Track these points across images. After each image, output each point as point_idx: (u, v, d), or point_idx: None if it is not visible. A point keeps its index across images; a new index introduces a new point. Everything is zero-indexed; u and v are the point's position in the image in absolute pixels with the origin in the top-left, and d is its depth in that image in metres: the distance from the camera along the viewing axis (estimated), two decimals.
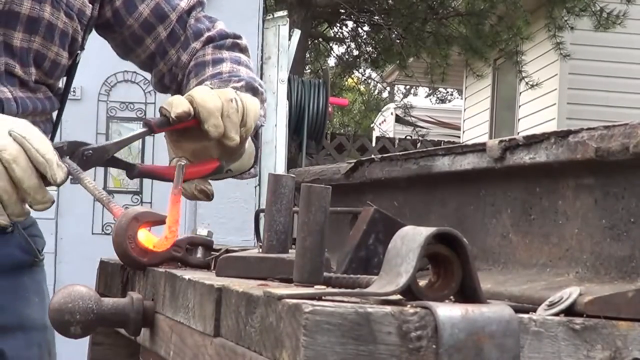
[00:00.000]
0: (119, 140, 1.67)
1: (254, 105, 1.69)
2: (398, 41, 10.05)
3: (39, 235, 2.01)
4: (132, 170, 1.69)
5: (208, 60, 1.93)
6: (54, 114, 1.95)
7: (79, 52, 1.94)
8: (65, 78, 1.96)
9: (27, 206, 1.58)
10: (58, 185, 1.55)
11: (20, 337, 1.86)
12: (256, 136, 1.92)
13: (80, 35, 1.90)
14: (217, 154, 1.70)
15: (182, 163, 1.56)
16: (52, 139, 1.92)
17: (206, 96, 1.63)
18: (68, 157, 1.62)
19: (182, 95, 1.68)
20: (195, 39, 1.98)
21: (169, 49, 1.98)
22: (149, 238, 1.45)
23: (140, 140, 5.68)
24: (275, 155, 5.91)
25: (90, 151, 1.64)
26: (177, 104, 1.62)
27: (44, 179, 1.55)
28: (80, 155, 1.64)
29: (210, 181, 1.73)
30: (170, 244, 1.45)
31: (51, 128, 1.94)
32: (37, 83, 1.85)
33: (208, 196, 1.71)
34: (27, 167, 1.52)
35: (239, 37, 2.01)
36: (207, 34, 1.98)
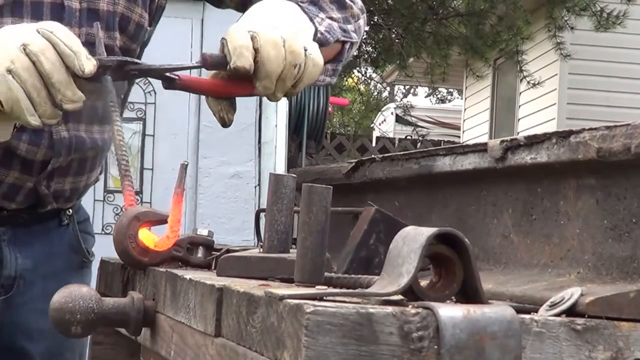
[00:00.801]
0: (167, 67, 1.60)
1: (314, 72, 1.59)
2: (398, 41, 10.04)
3: (90, 233, 2.02)
4: (171, 82, 1.60)
5: None
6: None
7: (149, 28, 1.90)
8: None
9: (58, 111, 1.52)
10: (86, 78, 1.49)
11: (57, 340, 1.86)
12: (340, 55, 1.81)
13: None
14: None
15: (186, 163, 1.52)
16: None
17: (272, 54, 1.52)
18: (110, 79, 1.57)
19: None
20: None
21: None
22: (150, 237, 1.45)
23: (140, 140, 5.68)
24: (275, 155, 5.91)
25: (136, 72, 1.60)
26: (240, 54, 1.52)
27: (74, 77, 1.50)
28: (125, 73, 1.59)
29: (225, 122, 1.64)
30: (171, 243, 1.44)
31: (121, 110, 1.88)
32: (122, 52, 1.81)
33: (224, 124, 1.63)
34: (56, 60, 1.47)
35: None
36: None
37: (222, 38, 1.55)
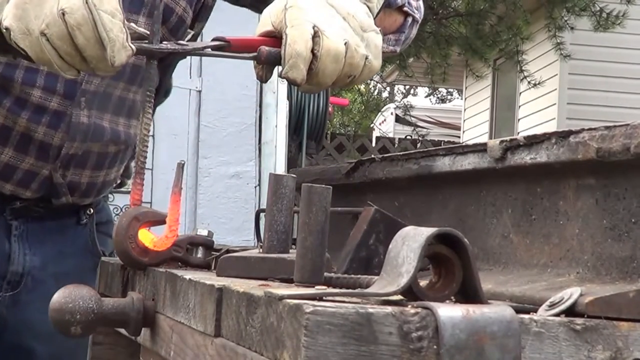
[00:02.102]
0: (221, 53, 1.49)
1: (370, 74, 1.47)
2: None
3: (111, 236, 1.99)
4: (221, 49, 1.49)
5: None
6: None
7: (189, 30, 1.86)
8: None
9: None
10: (115, 67, 1.38)
11: (70, 342, 1.86)
12: (402, 27, 1.71)
13: None
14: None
15: (182, 162, 1.47)
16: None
17: (329, 68, 1.40)
18: (155, 65, 1.48)
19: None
20: None
21: None
22: (148, 237, 1.45)
23: None
24: (275, 155, 5.91)
25: (186, 53, 1.51)
26: (295, 65, 1.39)
27: None
28: (175, 52, 1.49)
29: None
30: (170, 243, 1.44)
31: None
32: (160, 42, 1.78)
33: (262, 80, 1.51)
34: (91, 37, 1.35)
35: None
36: None
37: (284, 32, 1.43)
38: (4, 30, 1.38)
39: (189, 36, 1.88)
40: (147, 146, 1.50)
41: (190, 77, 5.51)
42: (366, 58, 1.45)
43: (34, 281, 1.85)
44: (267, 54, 1.45)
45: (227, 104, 5.69)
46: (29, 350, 1.87)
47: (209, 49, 1.49)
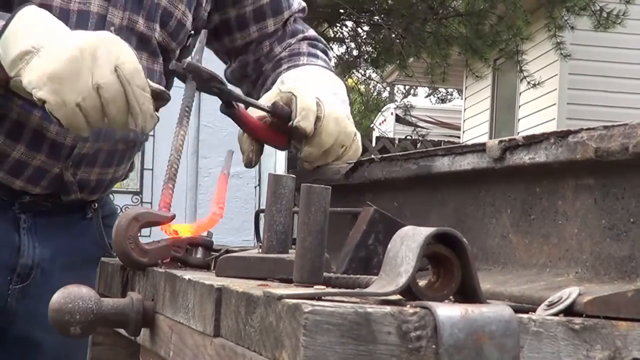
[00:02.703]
0: (243, 98, 1.67)
1: (354, 157, 1.68)
2: (398, 41, 10.05)
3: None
4: (230, 109, 1.65)
5: (304, 51, 1.94)
6: None
7: (192, 32, 1.91)
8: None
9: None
10: (142, 133, 1.54)
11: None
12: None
13: (204, 1, 1.89)
14: (294, 137, 1.69)
15: (232, 151, 1.58)
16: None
17: (330, 128, 1.61)
18: (195, 85, 1.61)
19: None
20: (292, 36, 1.99)
21: (266, 41, 1.98)
22: (184, 227, 1.46)
23: None
24: (275, 156, 5.91)
25: (217, 90, 1.62)
26: (306, 117, 1.60)
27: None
28: (210, 87, 1.62)
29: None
30: (216, 220, 1.46)
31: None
32: (160, 47, 1.82)
33: (250, 165, 1.71)
34: (123, 109, 1.49)
35: (328, 48, 2.04)
36: (302, 34, 2.00)
37: (292, 93, 1.63)
38: (37, 100, 1.48)
39: (189, 40, 1.91)
40: (180, 156, 1.59)
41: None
42: (355, 134, 1.67)
43: (43, 274, 1.86)
44: (281, 107, 1.63)
45: None
46: (37, 342, 1.88)
47: (239, 100, 1.65)
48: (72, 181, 1.83)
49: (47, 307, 1.85)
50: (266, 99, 1.69)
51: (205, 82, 1.62)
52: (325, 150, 1.63)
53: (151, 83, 1.52)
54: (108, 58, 1.47)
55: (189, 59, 1.62)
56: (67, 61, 1.44)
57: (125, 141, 1.87)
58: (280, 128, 1.67)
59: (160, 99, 1.54)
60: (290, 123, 1.60)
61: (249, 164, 1.70)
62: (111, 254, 1.96)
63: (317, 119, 1.61)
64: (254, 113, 1.69)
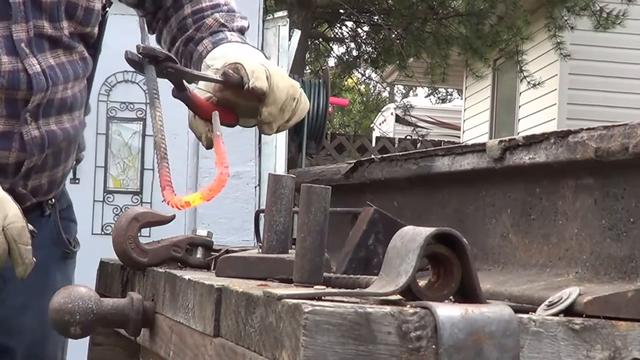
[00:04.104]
0: (197, 74, 1.72)
1: (305, 109, 1.74)
2: (398, 41, 10.04)
3: (73, 219, 2.02)
4: (181, 92, 1.68)
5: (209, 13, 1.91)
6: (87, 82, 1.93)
7: (107, 9, 1.91)
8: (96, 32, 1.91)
9: None
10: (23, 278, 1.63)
11: (38, 334, 1.85)
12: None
13: None
14: (241, 112, 1.73)
15: (217, 113, 1.63)
16: (85, 106, 1.92)
17: (281, 83, 1.67)
18: (154, 69, 1.65)
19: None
20: None
21: None
22: (192, 197, 1.45)
23: (141, 141, 5.68)
24: (275, 156, 5.91)
25: (173, 70, 1.66)
26: (258, 77, 1.65)
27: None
28: (165, 68, 1.66)
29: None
30: (225, 180, 1.46)
31: (87, 96, 1.92)
32: (72, 37, 1.81)
33: (210, 145, 1.72)
34: (2, 259, 1.60)
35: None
36: None
37: (236, 63, 1.68)
38: None
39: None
40: (164, 135, 1.65)
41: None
42: (299, 86, 1.72)
43: (2, 278, 1.85)
44: (232, 76, 1.66)
45: None
46: (3, 347, 1.87)
47: (193, 78, 1.70)
48: (24, 193, 1.83)
49: (10, 312, 1.85)
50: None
51: (161, 64, 1.65)
52: (281, 107, 1.68)
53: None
54: None
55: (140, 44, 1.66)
56: None
57: (68, 139, 1.87)
58: (227, 104, 1.70)
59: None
60: (246, 86, 1.65)
61: (209, 145, 1.72)
62: (71, 249, 1.95)
63: (267, 78, 1.67)
64: (200, 96, 1.72)
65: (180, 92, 1.67)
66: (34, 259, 1.62)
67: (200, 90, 1.71)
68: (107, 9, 1.92)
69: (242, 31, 1.90)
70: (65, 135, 1.85)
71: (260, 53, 1.81)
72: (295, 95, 1.70)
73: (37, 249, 1.87)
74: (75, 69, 1.83)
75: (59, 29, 1.79)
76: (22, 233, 1.60)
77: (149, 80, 1.66)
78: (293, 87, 1.70)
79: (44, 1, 1.76)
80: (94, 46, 1.91)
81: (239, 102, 1.71)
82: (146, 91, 5.51)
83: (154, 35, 2.01)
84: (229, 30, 1.87)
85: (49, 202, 1.92)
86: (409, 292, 0.90)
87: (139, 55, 1.63)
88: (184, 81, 1.67)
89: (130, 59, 1.65)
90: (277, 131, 1.73)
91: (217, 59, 1.76)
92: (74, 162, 2.00)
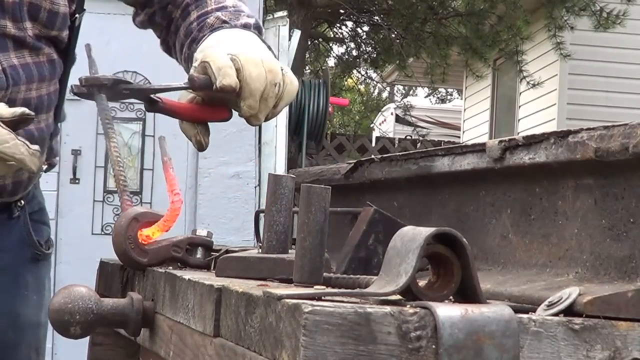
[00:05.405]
0: (158, 87, 1.66)
1: (292, 90, 1.65)
2: (398, 41, 10.05)
3: (45, 222, 1.98)
4: (154, 105, 1.65)
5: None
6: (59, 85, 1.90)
7: (77, 15, 1.87)
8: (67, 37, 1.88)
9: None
10: (37, 172, 1.55)
11: (10, 336, 1.85)
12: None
13: None
14: (233, 107, 1.66)
15: (163, 136, 1.60)
16: (58, 110, 1.88)
17: (254, 73, 1.59)
18: (105, 97, 1.63)
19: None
20: None
21: None
22: (151, 230, 1.45)
23: (140, 140, 5.68)
24: (275, 156, 5.91)
25: (128, 91, 1.63)
26: (225, 74, 1.58)
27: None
28: (120, 91, 1.63)
29: (209, 138, 1.70)
30: (178, 208, 1.46)
31: (58, 100, 1.88)
32: (38, 39, 1.79)
33: (202, 148, 1.69)
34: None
35: None
36: None
37: (203, 61, 1.61)
38: None
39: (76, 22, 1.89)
40: (122, 167, 1.59)
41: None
42: (282, 68, 1.63)
43: None
44: (198, 78, 1.60)
45: None
46: None
47: (153, 92, 1.65)
48: None
49: None
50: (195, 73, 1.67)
51: (111, 89, 1.62)
52: (261, 97, 1.60)
53: (7, 110, 1.55)
54: None
55: (83, 76, 1.63)
56: None
57: (30, 141, 1.85)
58: (214, 101, 1.66)
59: (24, 121, 1.57)
60: (214, 87, 1.58)
61: (200, 148, 1.68)
62: (42, 251, 1.93)
63: (238, 71, 1.58)
64: (184, 98, 1.68)
65: (152, 107, 1.65)
66: (36, 149, 1.54)
67: (186, 92, 1.67)
68: (78, 15, 1.89)
69: (246, 27, 1.82)
70: (28, 136, 1.83)
71: (242, 39, 1.72)
72: (276, 80, 1.61)
73: (5, 251, 1.86)
74: (41, 70, 1.80)
75: (23, 30, 1.77)
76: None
77: (101, 110, 1.62)
78: (272, 72, 1.60)
79: (5, 1, 1.74)
80: (65, 51, 1.87)
81: (228, 99, 1.65)
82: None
83: (160, 48, 1.99)
84: (231, 27, 1.79)
85: (18, 203, 1.90)
86: (409, 292, 0.90)
87: (83, 86, 1.60)
88: (151, 95, 1.64)
89: (78, 93, 1.64)
90: (268, 119, 1.66)
91: (198, 54, 1.69)
92: (46, 167, 1.96)
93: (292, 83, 1.65)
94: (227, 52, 1.62)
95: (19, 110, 1.55)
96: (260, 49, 1.67)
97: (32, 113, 1.56)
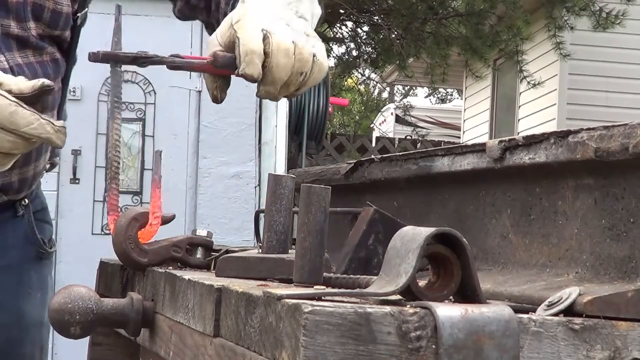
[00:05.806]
0: (179, 63, 1.58)
1: (318, 77, 1.57)
2: (398, 41, 10.05)
3: (48, 221, 1.99)
4: (172, 68, 1.58)
5: None
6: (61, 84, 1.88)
7: (79, 14, 1.87)
8: (69, 37, 1.87)
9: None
10: (63, 145, 1.51)
11: (15, 333, 1.85)
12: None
13: None
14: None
15: (161, 150, 1.53)
16: (60, 110, 1.87)
17: (282, 62, 1.50)
18: (121, 73, 1.59)
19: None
20: None
21: None
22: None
23: (140, 141, 5.68)
24: (275, 156, 5.91)
25: (146, 63, 1.57)
26: (251, 61, 1.49)
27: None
28: (139, 64, 1.57)
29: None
30: (155, 231, 1.44)
31: (60, 99, 1.88)
32: (41, 39, 1.79)
33: (216, 101, 1.61)
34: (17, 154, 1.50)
35: None
36: None
37: (235, 31, 1.53)
38: None
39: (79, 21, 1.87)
40: (119, 151, 1.55)
41: (190, 78, 5.52)
42: (314, 55, 1.54)
43: None
44: (222, 57, 1.53)
45: (227, 104, 5.66)
46: None
47: (170, 58, 1.57)
48: None
49: None
50: (220, 34, 1.59)
51: (135, 61, 1.57)
52: (283, 85, 1.53)
53: (26, 84, 1.49)
54: None
55: (102, 49, 1.57)
56: None
57: None
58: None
59: (45, 93, 1.51)
60: (236, 71, 1.51)
61: (215, 100, 1.61)
62: (46, 250, 1.94)
63: (266, 55, 1.50)
64: (212, 46, 1.59)
65: (172, 68, 1.59)
66: (60, 125, 1.48)
67: (215, 40, 1.59)
68: (79, 14, 1.88)
69: None
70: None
71: (291, 3, 1.61)
72: (304, 70, 1.52)
73: (11, 248, 1.87)
74: (45, 69, 1.80)
75: (26, 29, 1.77)
76: (11, 119, 1.45)
77: (113, 87, 1.59)
78: (301, 61, 1.51)
79: (9, 1, 1.74)
80: (67, 50, 1.87)
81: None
82: (145, 91, 5.53)
83: (206, 31, 1.93)
84: None
85: (22, 202, 1.91)
86: (409, 292, 0.90)
87: (100, 60, 1.55)
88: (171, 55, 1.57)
89: (94, 60, 1.59)
90: (288, 97, 1.59)
91: (234, 15, 1.58)
92: (48, 166, 1.97)
93: (321, 71, 1.56)
94: (263, 26, 1.52)
95: (38, 82, 1.50)
96: (297, 25, 1.57)
97: (52, 83, 1.51)
